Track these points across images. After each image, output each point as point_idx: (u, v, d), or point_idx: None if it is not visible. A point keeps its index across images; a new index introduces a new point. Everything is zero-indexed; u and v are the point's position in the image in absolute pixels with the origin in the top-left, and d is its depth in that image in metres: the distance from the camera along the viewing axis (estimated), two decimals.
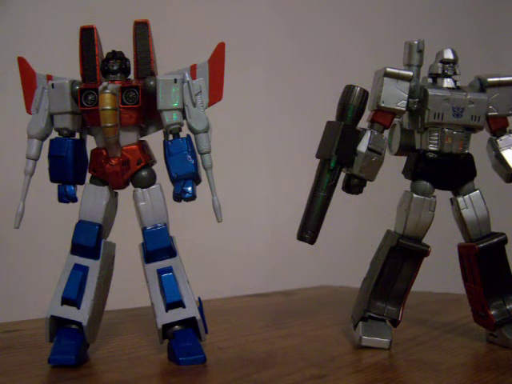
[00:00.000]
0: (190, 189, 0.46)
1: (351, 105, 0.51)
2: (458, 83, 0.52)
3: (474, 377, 0.43)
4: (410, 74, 0.51)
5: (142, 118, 0.46)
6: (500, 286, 0.53)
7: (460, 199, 0.53)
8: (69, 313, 0.45)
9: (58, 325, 0.45)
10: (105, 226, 0.47)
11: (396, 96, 0.50)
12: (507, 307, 0.53)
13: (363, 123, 0.52)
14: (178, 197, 0.46)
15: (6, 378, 0.41)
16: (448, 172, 0.52)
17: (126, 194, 0.48)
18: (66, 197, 0.47)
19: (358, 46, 1.06)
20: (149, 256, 0.46)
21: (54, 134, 0.47)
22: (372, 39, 1.06)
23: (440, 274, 0.85)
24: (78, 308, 0.45)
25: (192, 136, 0.47)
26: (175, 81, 0.46)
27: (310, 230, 0.51)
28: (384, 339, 0.51)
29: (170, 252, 0.47)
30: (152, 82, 0.46)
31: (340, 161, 0.51)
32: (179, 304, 0.46)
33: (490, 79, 0.52)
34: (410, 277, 0.52)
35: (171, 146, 0.46)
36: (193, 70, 0.47)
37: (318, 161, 0.52)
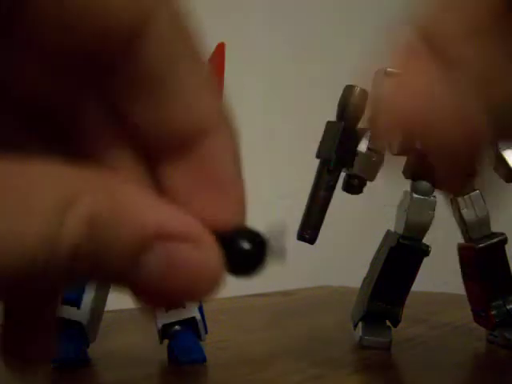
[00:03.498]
0: None
1: (351, 105, 0.51)
2: None
3: (474, 377, 0.43)
4: None
5: None
6: (500, 286, 0.53)
7: (460, 199, 0.53)
8: (69, 313, 0.45)
9: (58, 325, 0.45)
10: None
11: None
12: (507, 307, 0.53)
13: (363, 123, 0.52)
14: None
15: (6, 378, 0.41)
16: None
17: None
18: None
19: (358, 46, 1.06)
20: None
21: None
22: (372, 39, 1.06)
23: (440, 274, 0.85)
24: (78, 308, 0.45)
25: None
26: None
27: (310, 229, 0.51)
28: (384, 339, 0.51)
29: None
30: None
31: (340, 161, 0.51)
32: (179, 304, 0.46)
33: None
34: (410, 277, 0.52)
35: None
36: None
37: (317, 161, 0.52)
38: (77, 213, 0.15)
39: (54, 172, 0.15)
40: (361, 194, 0.52)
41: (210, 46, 0.48)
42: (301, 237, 0.53)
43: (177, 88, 0.18)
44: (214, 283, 0.18)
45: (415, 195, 0.52)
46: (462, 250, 0.54)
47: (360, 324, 0.52)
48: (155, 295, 0.17)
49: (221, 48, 0.47)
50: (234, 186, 0.19)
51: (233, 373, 0.42)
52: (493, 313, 0.53)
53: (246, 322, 0.64)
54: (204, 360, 0.44)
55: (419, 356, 0.48)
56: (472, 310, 0.55)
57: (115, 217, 0.15)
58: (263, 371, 0.43)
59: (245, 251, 0.19)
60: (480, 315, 0.54)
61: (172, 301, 0.18)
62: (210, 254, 0.18)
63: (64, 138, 0.18)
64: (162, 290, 0.17)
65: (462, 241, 0.54)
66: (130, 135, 0.18)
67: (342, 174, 0.52)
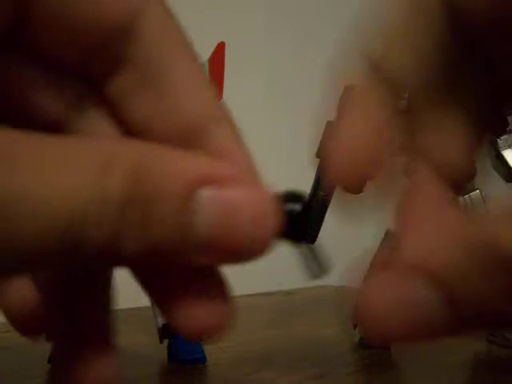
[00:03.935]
0: None
1: None
2: None
3: (474, 377, 0.43)
4: None
5: None
6: None
7: (460, 199, 0.53)
8: None
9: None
10: None
11: None
12: None
13: None
14: None
15: (6, 378, 0.41)
16: None
17: None
18: None
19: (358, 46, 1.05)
20: None
21: None
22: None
23: None
24: None
25: None
26: None
27: (310, 229, 0.51)
28: None
29: None
30: None
31: None
32: None
33: None
34: None
35: None
36: None
37: (318, 160, 0.52)
38: (120, 166, 0.15)
39: (88, 140, 0.16)
40: (360, 194, 0.52)
41: (209, 46, 0.48)
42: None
43: (173, 81, 0.17)
44: (271, 228, 0.16)
45: None
46: None
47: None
48: (212, 252, 0.16)
49: (221, 48, 0.47)
50: (248, 172, 0.19)
51: (233, 373, 0.42)
52: None
53: (246, 321, 0.64)
54: (204, 360, 0.44)
55: (419, 356, 0.48)
56: None
57: (157, 166, 0.15)
58: (263, 371, 0.43)
59: (294, 212, 0.18)
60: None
61: (230, 256, 0.16)
62: (261, 193, 0.16)
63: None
64: (219, 243, 0.15)
65: None
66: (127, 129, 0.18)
67: None
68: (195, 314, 0.17)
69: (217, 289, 0.18)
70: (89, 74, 0.18)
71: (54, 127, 0.18)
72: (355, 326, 0.53)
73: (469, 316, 0.15)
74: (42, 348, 0.48)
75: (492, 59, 0.18)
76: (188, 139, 0.18)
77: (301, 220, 0.18)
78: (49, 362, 0.43)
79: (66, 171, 0.14)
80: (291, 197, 0.18)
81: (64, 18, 0.17)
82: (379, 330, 0.16)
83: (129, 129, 0.18)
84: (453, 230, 0.16)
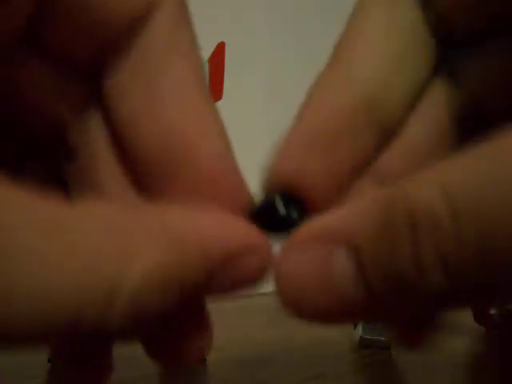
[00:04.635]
0: None
1: None
2: None
3: (474, 377, 0.43)
4: None
5: None
6: None
7: None
8: None
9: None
10: None
11: None
12: (507, 307, 0.53)
13: None
14: None
15: (6, 378, 0.41)
16: None
17: None
18: None
19: None
20: None
21: None
22: None
23: None
24: None
25: None
26: None
27: None
28: (384, 339, 0.51)
29: None
30: None
31: None
32: None
33: None
34: None
35: None
36: None
37: None
38: (137, 265, 0.13)
39: (111, 220, 0.14)
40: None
41: (209, 46, 0.48)
42: None
43: (166, 86, 0.17)
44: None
45: None
46: None
47: (360, 324, 0.52)
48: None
49: (221, 48, 0.47)
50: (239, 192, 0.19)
51: (233, 373, 0.42)
52: (493, 313, 0.53)
53: (246, 322, 0.64)
54: (204, 360, 0.44)
55: (419, 356, 0.48)
56: (472, 310, 0.55)
57: (177, 261, 0.14)
58: (263, 371, 0.43)
59: (283, 215, 0.19)
60: (480, 315, 0.54)
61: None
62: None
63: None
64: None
65: None
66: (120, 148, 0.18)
67: None
68: (182, 345, 0.18)
69: (201, 318, 0.19)
70: (95, 69, 0.18)
71: (59, 128, 0.18)
72: (355, 326, 0.53)
73: (376, 283, 0.15)
74: (42, 348, 0.48)
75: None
76: (174, 147, 0.17)
77: (288, 219, 0.18)
78: (49, 361, 0.43)
79: (72, 258, 0.12)
80: (288, 199, 0.19)
81: (84, 11, 0.16)
82: (298, 304, 0.17)
83: (117, 131, 0.18)
84: (373, 196, 0.16)
